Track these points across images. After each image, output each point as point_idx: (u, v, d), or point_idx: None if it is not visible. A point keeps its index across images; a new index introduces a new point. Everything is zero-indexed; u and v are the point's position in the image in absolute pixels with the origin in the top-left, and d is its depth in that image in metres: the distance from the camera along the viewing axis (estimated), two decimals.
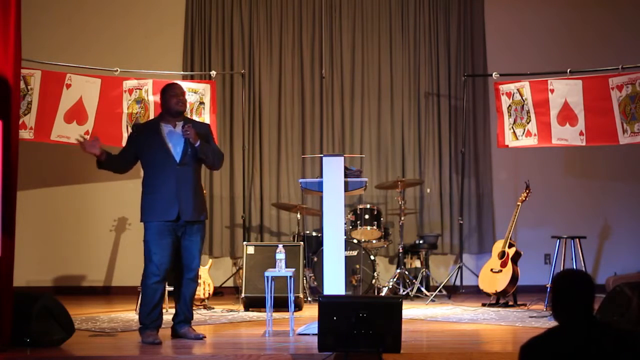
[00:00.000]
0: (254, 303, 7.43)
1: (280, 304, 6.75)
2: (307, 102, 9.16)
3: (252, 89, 9.13)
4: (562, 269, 7.58)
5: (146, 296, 5.81)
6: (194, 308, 7.50)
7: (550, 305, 3.09)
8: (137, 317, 7.02)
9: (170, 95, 5.91)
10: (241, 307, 7.54)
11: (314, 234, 8.29)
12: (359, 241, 8.08)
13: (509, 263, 7.68)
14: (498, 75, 8.33)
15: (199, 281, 7.68)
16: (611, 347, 2.89)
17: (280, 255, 6.18)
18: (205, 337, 5.95)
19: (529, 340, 2.98)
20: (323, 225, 6.26)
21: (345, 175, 6.15)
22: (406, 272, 8.29)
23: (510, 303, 7.72)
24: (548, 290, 7.54)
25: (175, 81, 8.35)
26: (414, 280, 8.26)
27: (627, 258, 8.90)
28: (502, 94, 8.29)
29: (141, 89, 8.19)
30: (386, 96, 9.19)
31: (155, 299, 5.78)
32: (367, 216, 8.24)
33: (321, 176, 6.17)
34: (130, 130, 6.05)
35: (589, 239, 8.09)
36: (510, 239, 7.78)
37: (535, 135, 8.08)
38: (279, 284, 6.55)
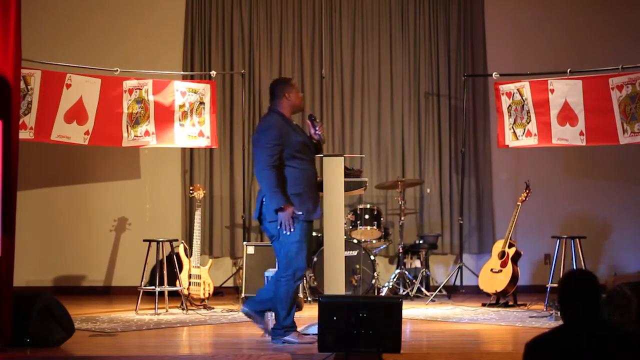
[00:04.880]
0: None
1: None
2: (307, 102, 9.15)
3: (252, 89, 9.12)
4: (562, 269, 7.59)
5: (291, 298, 5.55)
6: (194, 308, 7.55)
7: (557, 304, 3.10)
8: (137, 317, 7.04)
9: (297, 92, 5.74)
10: (241, 307, 7.53)
11: (314, 234, 8.28)
12: (359, 241, 8.07)
13: (509, 263, 7.68)
14: (498, 75, 8.33)
15: (199, 281, 7.71)
16: (615, 348, 2.89)
17: None
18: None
19: (534, 338, 2.99)
20: (323, 225, 6.26)
21: (345, 175, 6.15)
22: (406, 272, 8.29)
23: (510, 303, 7.72)
24: (548, 290, 7.55)
25: (174, 81, 8.41)
26: (414, 280, 8.26)
27: (627, 258, 8.90)
28: (502, 94, 8.29)
29: (141, 89, 8.19)
30: (386, 96, 9.18)
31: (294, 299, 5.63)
32: (367, 216, 8.24)
33: (321, 176, 6.17)
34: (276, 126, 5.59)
35: (589, 239, 8.08)
36: (510, 239, 7.78)
37: (535, 135, 8.08)
38: None
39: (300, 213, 5.47)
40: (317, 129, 5.75)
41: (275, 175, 5.44)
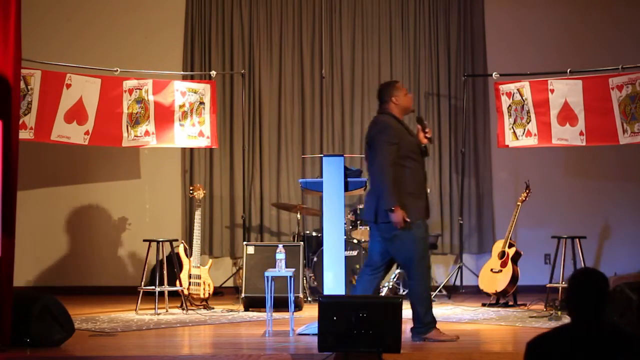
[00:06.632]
0: (254, 303, 7.43)
1: (280, 304, 6.75)
2: (307, 102, 9.16)
3: (252, 89, 9.12)
4: (562, 269, 7.59)
5: (429, 294, 5.73)
6: (194, 308, 7.54)
7: (565, 302, 3.09)
8: (137, 317, 7.04)
9: (404, 93, 5.82)
10: (241, 307, 7.54)
11: (314, 234, 8.29)
12: (359, 241, 8.07)
13: (509, 263, 7.68)
14: (498, 75, 8.33)
15: (199, 281, 7.72)
16: (616, 349, 2.88)
17: (280, 255, 6.18)
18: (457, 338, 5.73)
19: (536, 337, 2.97)
20: (323, 225, 6.26)
21: (345, 175, 6.15)
22: None
23: (510, 303, 7.72)
24: (548, 290, 7.55)
25: (174, 81, 8.41)
26: None
27: (627, 258, 8.88)
28: (502, 94, 8.29)
29: (141, 89, 8.19)
30: None
31: None
32: None
33: (321, 176, 6.17)
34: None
35: (589, 239, 8.08)
36: (510, 239, 7.78)
37: (535, 135, 8.08)
38: (279, 284, 6.55)
39: (407, 220, 5.53)
40: (426, 131, 5.78)
41: (392, 175, 5.52)
